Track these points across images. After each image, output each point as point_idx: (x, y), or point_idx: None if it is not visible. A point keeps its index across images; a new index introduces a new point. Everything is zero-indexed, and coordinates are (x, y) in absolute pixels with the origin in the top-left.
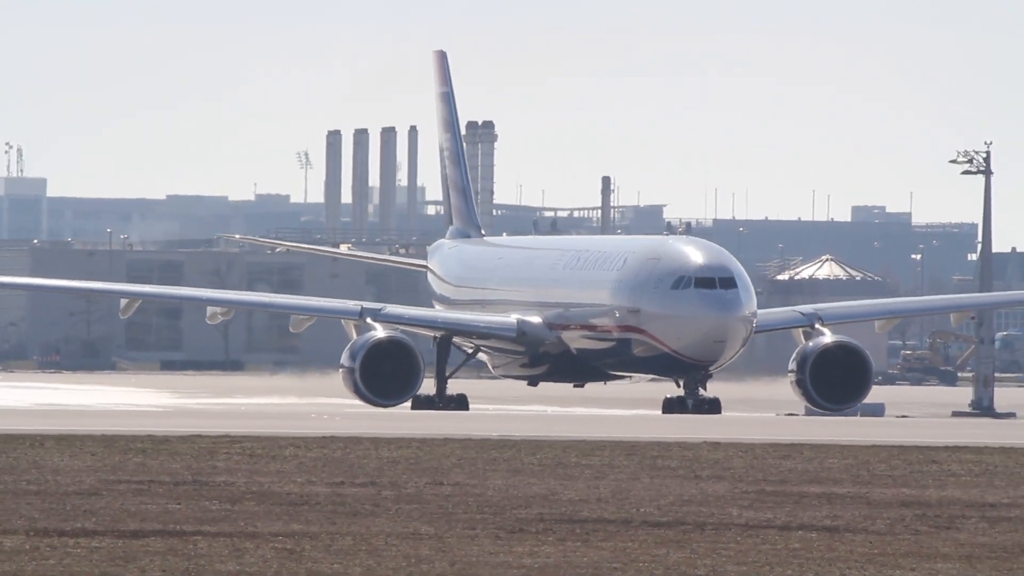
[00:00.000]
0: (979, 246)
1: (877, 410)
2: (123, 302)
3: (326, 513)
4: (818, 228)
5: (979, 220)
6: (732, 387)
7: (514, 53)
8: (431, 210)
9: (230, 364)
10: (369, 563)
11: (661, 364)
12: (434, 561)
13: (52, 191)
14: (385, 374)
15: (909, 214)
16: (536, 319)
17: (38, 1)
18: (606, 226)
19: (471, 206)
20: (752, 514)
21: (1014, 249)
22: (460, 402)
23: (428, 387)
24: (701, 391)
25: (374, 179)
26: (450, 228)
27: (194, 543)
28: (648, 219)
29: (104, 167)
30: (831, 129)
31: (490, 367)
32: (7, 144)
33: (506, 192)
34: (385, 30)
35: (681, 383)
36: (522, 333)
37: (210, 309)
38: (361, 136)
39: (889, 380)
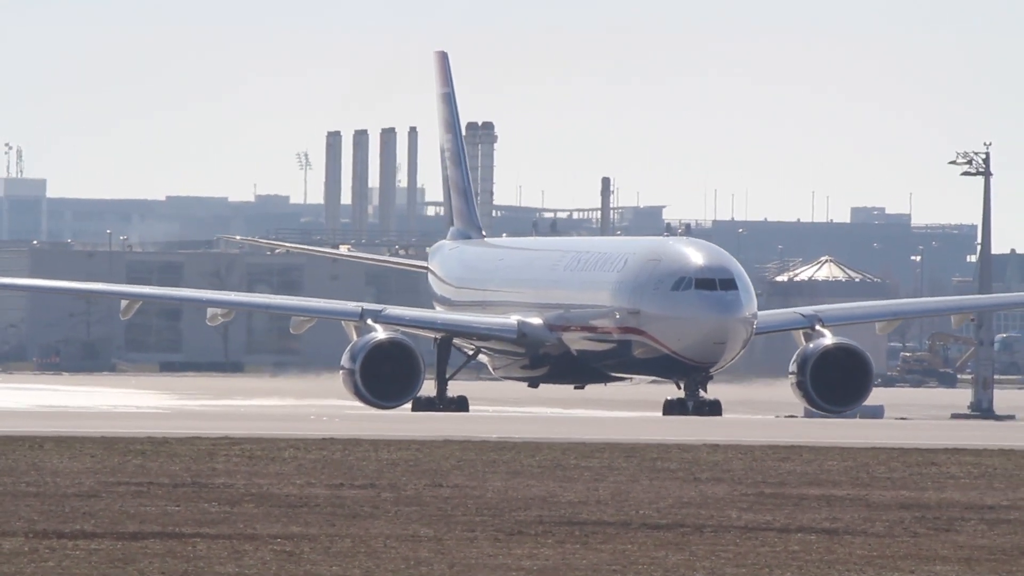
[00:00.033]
0: (978, 247)
1: (876, 412)
2: (123, 303)
3: (325, 515)
4: (817, 229)
5: (978, 221)
6: (731, 389)
7: (514, 54)
8: (431, 211)
9: (230, 366)
10: (368, 565)
11: (661, 366)
12: (433, 563)
13: (52, 192)
14: (386, 376)
15: (908, 215)
16: (537, 320)
17: (38, 2)
18: (605, 227)
19: (472, 207)
20: (751, 516)
21: (1013, 251)
22: (461, 404)
23: (429, 389)
24: (702, 393)
25: (374, 180)
26: (451, 229)
27: (193, 545)
28: (647, 220)
29: (104, 168)
30: (830, 130)
31: (491, 369)
32: (7, 145)
33: (506, 193)
34: (384, 31)
35: (681, 385)
36: (522, 334)
37: (210, 310)
38: (361, 137)
39: (888, 382)
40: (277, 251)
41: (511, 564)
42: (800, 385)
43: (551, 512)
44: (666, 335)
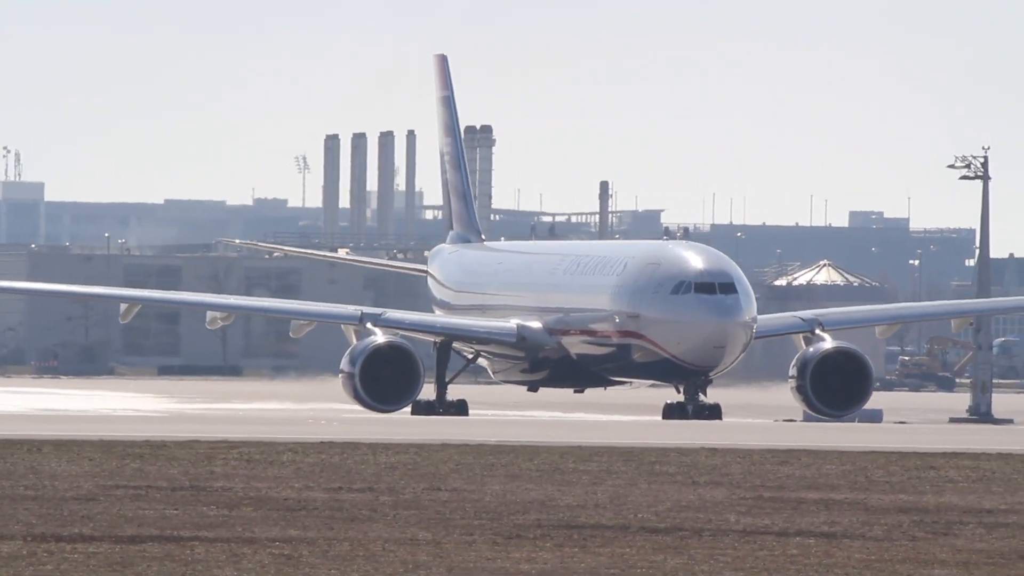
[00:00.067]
0: (977, 251)
1: (875, 416)
2: (123, 307)
3: (324, 519)
4: (816, 233)
5: (977, 225)
6: (729, 393)
7: (512, 58)
8: (429, 215)
9: (228, 369)
10: (367, 569)
11: (661, 369)
12: (431, 567)
13: (50, 195)
14: (385, 379)
15: (907, 219)
16: (536, 324)
17: (36, 5)
18: (604, 231)
19: (471, 211)
20: (750, 520)
21: (1012, 255)
22: (460, 407)
23: (428, 392)
24: (701, 397)
25: (372, 184)
26: (450, 233)
27: (191, 548)
28: (646, 224)
29: (102, 171)
30: (829, 134)
31: (490, 372)
32: (5, 148)
33: (504, 197)
34: (381, 35)
35: (681, 389)
36: (522, 338)
37: (210, 314)
38: (359, 140)
39: (887, 386)
40: (275, 255)
41: (509, 568)
42: (800, 389)
43: (549, 516)
44: (666, 339)
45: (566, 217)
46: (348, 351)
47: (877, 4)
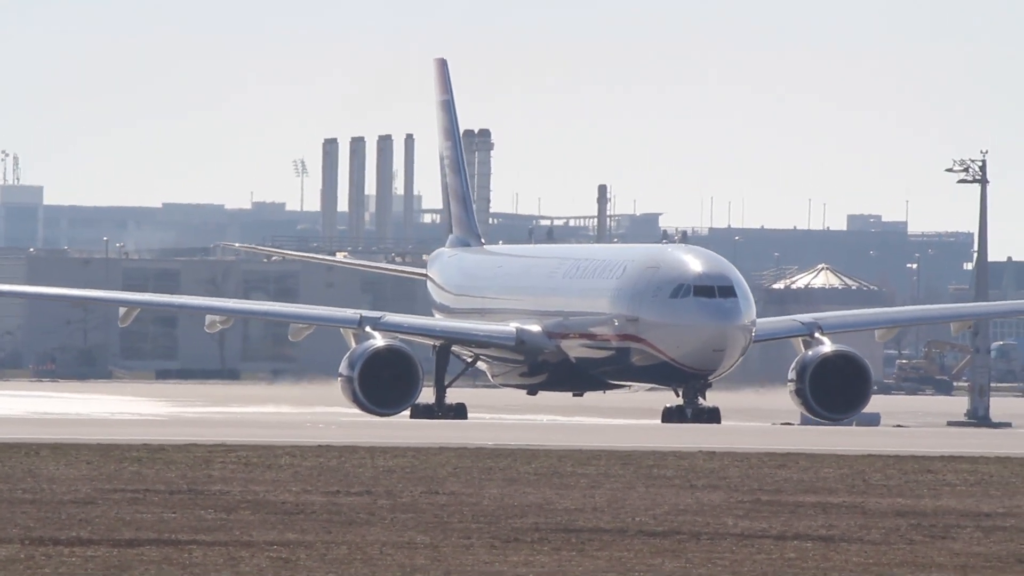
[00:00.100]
0: (975, 255)
1: (873, 420)
2: (122, 311)
3: (321, 522)
4: (814, 237)
5: (975, 229)
6: (727, 396)
7: (510, 62)
8: (427, 218)
9: (226, 373)
10: (364, 572)
11: (660, 373)
12: (429, 570)
13: (48, 199)
14: (384, 383)
15: (905, 223)
16: (535, 328)
17: (34, 9)
18: (602, 235)
19: (471, 215)
20: (747, 524)
21: (1010, 258)
22: (459, 411)
23: (427, 396)
24: (700, 400)
25: (370, 187)
26: (450, 237)
27: (189, 552)
28: (644, 228)
29: (100, 175)
30: (827, 138)
31: (489, 376)
32: (3, 152)
33: (502, 200)
34: (379, 39)
35: (680, 392)
36: (521, 342)
37: (209, 317)
38: (357, 144)
39: (885, 390)
40: (273, 258)
41: (507, 571)
42: (799, 392)
43: (547, 519)
44: (665, 342)
45: (564, 221)
46: (347, 355)
47: (875, 8)
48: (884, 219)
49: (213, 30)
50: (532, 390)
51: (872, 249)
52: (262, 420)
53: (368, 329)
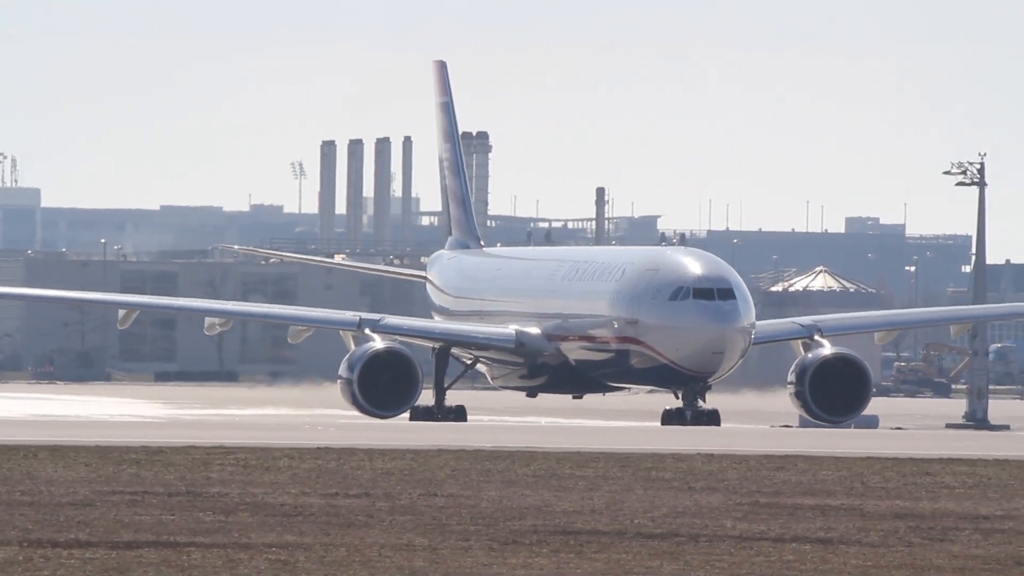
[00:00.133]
0: (973, 258)
1: (871, 422)
2: (121, 313)
3: (320, 524)
4: (812, 239)
5: (973, 232)
6: (726, 399)
7: (508, 64)
8: (425, 221)
9: (224, 375)
10: (363, 574)
11: (659, 375)
12: (428, 572)
13: (46, 201)
14: (383, 385)
15: (903, 226)
16: (535, 330)
17: (32, 12)
18: (600, 237)
19: (471, 217)
20: (746, 526)
21: (1008, 261)
22: (459, 413)
23: (427, 398)
24: (700, 403)
25: (368, 190)
26: (449, 239)
27: (188, 554)
28: (642, 230)
29: (98, 177)
30: (825, 140)
31: (489, 378)
32: (1, 154)
33: (500, 203)
34: (377, 42)
35: (680, 395)
36: (520, 344)
37: (208, 320)
38: (355, 146)
39: (883, 392)
40: (272, 260)
41: (506, 573)
42: (799, 395)
43: (546, 521)
44: (664, 345)
45: (562, 223)
46: (346, 357)
47: (874, 10)
48: (882, 221)
49: (211, 32)
50: (532, 392)
51: (870, 251)
52: (260, 422)
53: (367, 331)
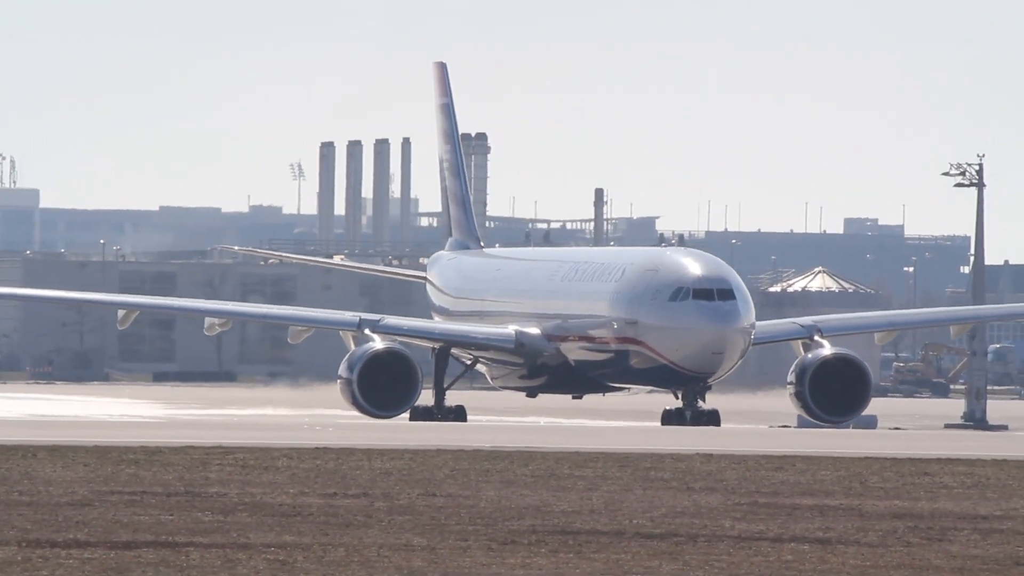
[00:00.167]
0: (972, 258)
1: (870, 422)
2: (120, 313)
3: (319, 524)
4: (811, 240)
5: (972, 232)
6: (726, 399)
7: (507, 65)
8: (424, 222)
9: (223, 375)
10: (361, 574)
11: (659, 376)
12: (427, 573)
13: (45, 202)
14: (383, 385)
15: (902, 226)
16: (534, 330)
17: (31, 14)
18: (599, 238)
19: (471, 218)
20: (745, 526)
21: (1007, 262)
22: (459, 413)
23: (426, 398)
24: (700, 403)
25: (367, 191)
26: (449, 240)
27: (186, 554)
28: (641, 231)
29: (97, 178)
30: (824, 141)
31: (489, 379)
32: (0, 155)
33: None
34: (376, 43)
35: (679, 395)
36: (520, 344)
37: (208, 320)
38: (354, 147)
39: (881, 392)
40: (270, 261)
41: (504, 573)
42: (799, 395)
43: (544, 521)
44: (664, 345)
45: (561, 224)
46: (346, 357)
47: (872, 11)
48: (881, 222)
49: (210, 33)
50: (531, 393)
51: (869, 252)
52: (259, 422)
53: (367, 332)
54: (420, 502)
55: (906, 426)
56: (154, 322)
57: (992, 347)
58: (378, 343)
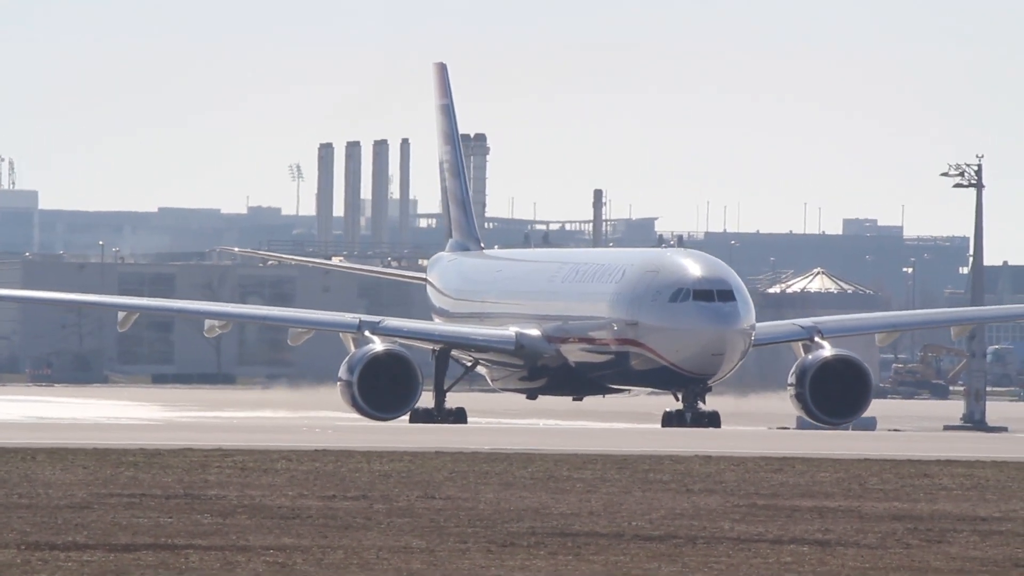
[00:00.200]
0: (971, 259)
1: (869, 424)
2: (120, 315)
3: (318, 527)
4: (810, 241)
5: (971, 233)
6: (723, 401)
7: (506, 66)
8: (423, 223)
9: (222, 377)
10: None
11: (659, 377)
12: (426, 574)
13: (44, 204)
14: (383, 387)
15: (901, 227)
16: (535, 332)
17: (30, 15)
18: (598, 239)
19: (471, 219)
20: (744, 528)
21: (1006, 263)
22: (459, 415)
23: (427, 400)
24: (700, 404)
25: (366, 192)
26: (449, 241)
27: (186, 557)
28: (640, 232)
29: (96, 180)
30: (823, 142)
31: (489, 380)
32: None
33: (498, 205)
34: (375, 44)
35: (680, 396)
36: (520, 346)
37: (208, 322)
38: (353, 149)
39: (881, 394)
40: (269, 263)
41: (503, 575)
42: (799, 397)
43: (543, 523)
44: (664, 347)
45: (560, 225)
46: (346, 359)
47: (871, 12)
48: (880, 223)
49: (210, 35)
50: (532, 394)
51: (868, 253)
52: (258, 424)
53: (367, 333)
54: (419, 504)
55: (905, 428)
56: (153, 324)
57: (991, 348)
58: (378, 345)
